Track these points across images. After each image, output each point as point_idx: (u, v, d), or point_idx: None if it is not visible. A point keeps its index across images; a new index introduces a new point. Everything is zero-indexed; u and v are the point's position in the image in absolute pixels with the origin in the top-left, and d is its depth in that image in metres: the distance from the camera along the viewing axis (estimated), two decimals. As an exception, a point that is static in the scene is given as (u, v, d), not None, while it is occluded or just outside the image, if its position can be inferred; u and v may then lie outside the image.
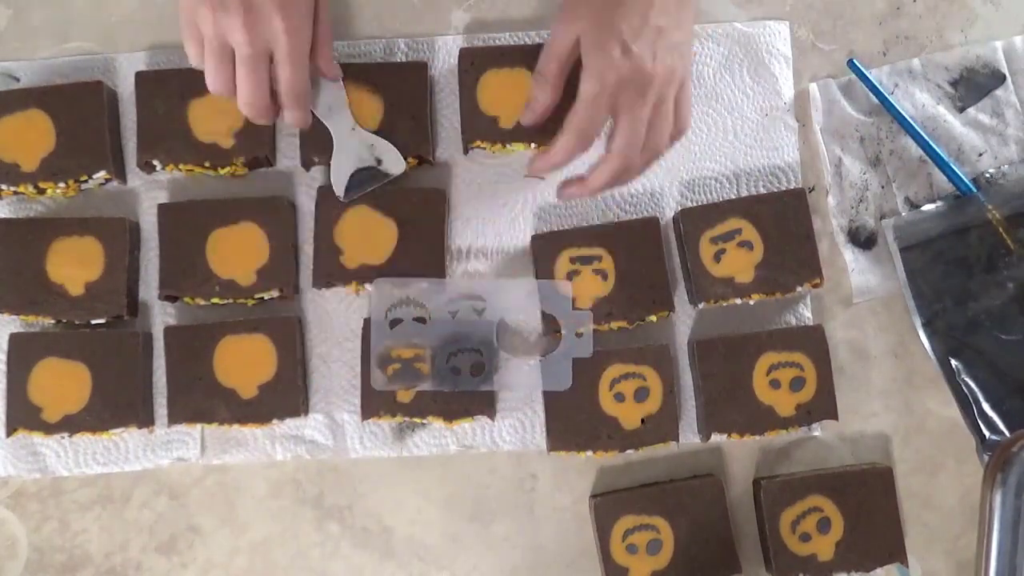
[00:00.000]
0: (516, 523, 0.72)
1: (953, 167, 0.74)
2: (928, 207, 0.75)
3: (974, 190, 0.74)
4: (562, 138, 0.64)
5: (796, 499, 0.70)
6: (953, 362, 0.73)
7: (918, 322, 0.73)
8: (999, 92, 0.76)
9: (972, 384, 0.72)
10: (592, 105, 0.62)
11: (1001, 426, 0.71)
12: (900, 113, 0.74)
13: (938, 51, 0.77)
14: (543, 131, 0.72)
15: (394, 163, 0.70)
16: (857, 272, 0.75)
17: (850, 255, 0.75)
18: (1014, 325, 0.72)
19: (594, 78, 0.62)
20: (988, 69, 0.77)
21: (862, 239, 0.75)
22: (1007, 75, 0.76)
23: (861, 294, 0.75)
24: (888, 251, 0.75)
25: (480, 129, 0.72)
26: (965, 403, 0.72)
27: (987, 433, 0.72)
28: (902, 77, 0.76)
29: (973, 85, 0.76)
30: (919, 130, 0.74)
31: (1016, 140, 0.76)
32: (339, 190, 0.70)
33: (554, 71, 0.65)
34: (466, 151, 0.74)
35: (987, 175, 0.75)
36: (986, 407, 0.72)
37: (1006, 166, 0.75)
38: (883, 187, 0.76)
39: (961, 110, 0.76)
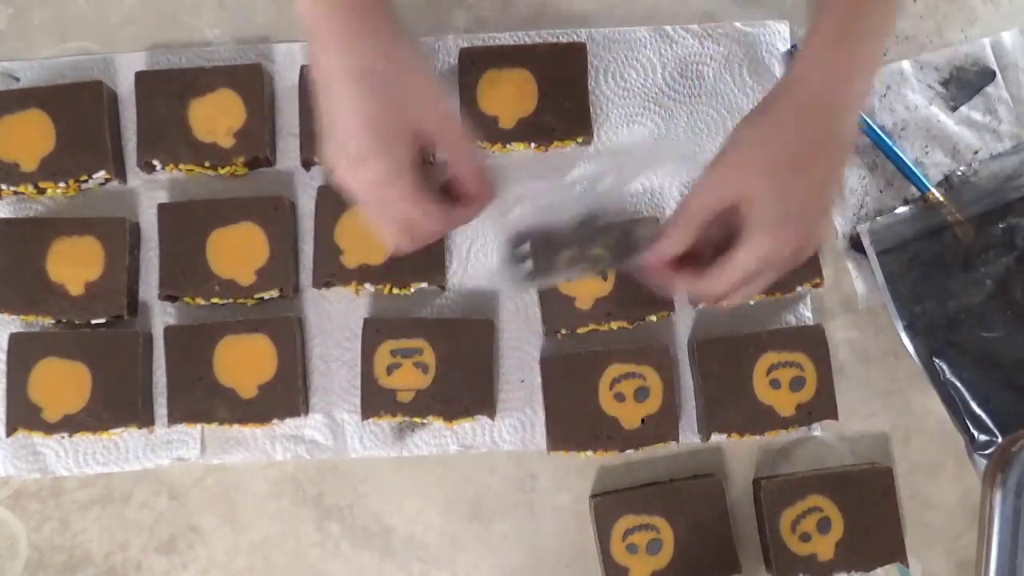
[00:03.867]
0: (516, 523, 0.72)
1: (912, 167, 0.74)
2: (901, 209, 0.74)
3: (930, 187, 0.74)
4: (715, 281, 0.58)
5: (796, 499, 0.70)
6: (937, 363, 0.72)
7: (899, 325, 0.73)
8: (990, 89, 0.76)
9: (958, 384, 0.72)
10: (743, 276, 0.57)
11: (990, 424, 0.71)
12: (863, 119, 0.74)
13: (929, 51, 0.77)
14: (544, 134, 0.72)
15: None
16: (861, 278, 0.74)
17: (852, 261, 0.75)
18: (995, 322, 0.72)
19: (754, 256, 0.55)
20: (977, 67, 0.77)
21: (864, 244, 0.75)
22: (996, 71, 0.76)
23: (865, 300, 0.74)
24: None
25: (480, 129, 0.72)
26: (952, 404, 0.72)
27: (976, 433, 0.71)
28: (894, 79, 0.76)
29: (963, 83, 0.76)
30: (876, 130, 0.74)
31: (1010, 135, 0.76)
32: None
33: (692, 228, 0.57)
34: (466, 151, 0.74)
35: (959, 172, 0.75)
36: (973, 406, 0.72)
37: (976, 163, 0.75)
38: (881, 191, 0.76)
39: (954, 109, 0.76)
